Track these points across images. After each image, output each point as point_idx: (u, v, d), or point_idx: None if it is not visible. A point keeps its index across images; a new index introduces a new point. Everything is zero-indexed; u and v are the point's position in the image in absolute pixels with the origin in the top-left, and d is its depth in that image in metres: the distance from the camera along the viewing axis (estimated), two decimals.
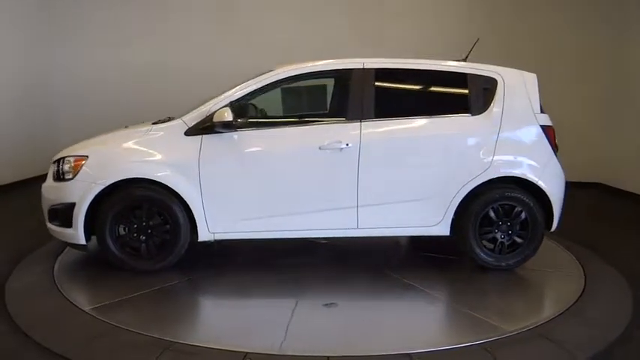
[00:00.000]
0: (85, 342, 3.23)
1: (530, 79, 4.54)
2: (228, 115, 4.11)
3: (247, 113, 4.66)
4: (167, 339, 3.21)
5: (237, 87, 4.38)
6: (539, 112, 4.45)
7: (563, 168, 4.51)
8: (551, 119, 4.53)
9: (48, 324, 3.49)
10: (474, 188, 4.32)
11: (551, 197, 4.36)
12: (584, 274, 4.42)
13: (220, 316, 3.92)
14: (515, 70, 4.57)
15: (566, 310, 3.74)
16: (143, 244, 4.28)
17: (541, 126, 4.43)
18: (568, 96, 8.03)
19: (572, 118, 7.87)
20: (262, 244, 4.98)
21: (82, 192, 4.18)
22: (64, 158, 4.35)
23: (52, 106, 8.91)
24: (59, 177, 4.32)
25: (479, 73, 4.48)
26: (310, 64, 4.47)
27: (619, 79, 7.91)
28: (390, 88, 4.55)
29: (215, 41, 8.65)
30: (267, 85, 4.37)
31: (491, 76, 4.48)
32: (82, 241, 4.23)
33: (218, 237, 4.34)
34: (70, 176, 4.24)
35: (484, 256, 4.42)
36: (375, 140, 4.28)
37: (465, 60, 4.71)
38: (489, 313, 3.66)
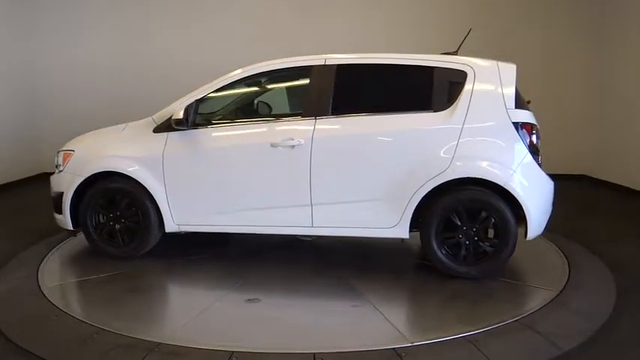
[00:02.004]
0: (70, 346, 3.21)
1: (507, 72, 4.13)
2: (180, 114, 4.27)
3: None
4: (152, 340, 3.20)
5: (204, 86, 4.50)
6: (514, 107, 4.03)
7: (544, 169, 4.12)
8: (535, 113, 4.22)
9: (33, 328, 3.46)
10: (433, 189, 4.03)
11: (523, 202, 3.94)
12: (569, 265, 4.45)
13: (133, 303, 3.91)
14: (491, 62, 4.21)
15: (551, 301, 3.77)
16: (118, 232, 4.61)
17: (515, 123, 4.01)
18: (552, 88, 8.08)
19: (556, 109, 7.94)
20: (254, 237, 5.04)
21: (68, 183, 4.62)
22: (59, 152, 4.83)
23: (37, 109, 8.79)
24: (57, 168, 4.82)
25: (446, 66, 4.17)
26: (273, 62, 4.47)
27: (602, 71, 7.97)
28: (350, 84, 4.38)
29: (209, 40, 8.55)
30: (229, 84, 4.49)
31: (461, 68, 4.14)
32: (70, 227, 4.69)
33: (183, 229, 4.57)
34: (62, 168, 4.74)
35: (447, 262, 4.11)
36: (327, 137, 4.18)
37: (456, 52, 4.50)
38: (467, 307, 3.70)
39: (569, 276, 4.22)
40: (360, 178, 4.19)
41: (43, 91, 8.80)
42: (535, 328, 3.35)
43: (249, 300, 3.83)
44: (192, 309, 3.70)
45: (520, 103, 4.13)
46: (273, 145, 4.22)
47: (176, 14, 8.60)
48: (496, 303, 3.79)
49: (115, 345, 3.17)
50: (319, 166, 4.17)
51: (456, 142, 4.01)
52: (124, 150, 4.57)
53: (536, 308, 3.65)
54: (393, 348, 3.11)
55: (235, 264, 4.64)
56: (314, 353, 3.07)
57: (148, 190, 4.45)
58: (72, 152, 4.72)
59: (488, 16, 8.12)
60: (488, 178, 3.98)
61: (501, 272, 4.16)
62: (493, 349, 3.12)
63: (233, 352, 3.06)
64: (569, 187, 7.31)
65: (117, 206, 4.58)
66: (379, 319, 3.53)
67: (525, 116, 4.09)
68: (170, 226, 4.52)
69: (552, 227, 4.46)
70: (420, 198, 4.06)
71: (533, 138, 4.08)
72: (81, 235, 4.82)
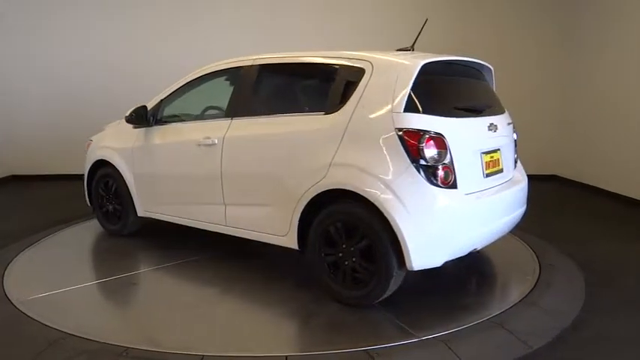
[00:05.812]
0: (36, 352, 3.11)
1: (406, 71, 3.52)
2: (127, 113, 4.95)
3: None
4: (119, 344, 3.15)
5: (168, 88, 4.89)
6: (402, 110, 3.42)
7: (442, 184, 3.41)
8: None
9: None
10: (313, 199, 3.69)
11: (394, 222, 3.30)
12: (539, 264, 4.50)
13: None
14: (393, 60, 3.70)
15: (522, 299, 3.80)
16: (111, 213, 5.40)
17: (398, 129, 3.41)
18: (523, 88, 8.19)
19: (527, 110, 8.05)
20: None
21: (86, 166, 5.51)
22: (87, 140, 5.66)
23: (7, 112, 8.60)
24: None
25: (348, 64, 3.77)
26: (219, 63, 4.58)
27: (574, 72, 8.11)
28: (267, 84, 4.39)
29: (197, 40, 8.46)
30: (181, 87, 4.80)
31: (360, 66, 3.69)
32: (89, 203, 5.62)
33: (147, 215, 5.10)
34: (86, 154, 5.56)
35: (327, 281, 3.72)
36: (234, 138, 4.22)
37: (412, 48, 4.18)
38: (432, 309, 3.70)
39: (539, 275, 4.27)
40: (256, 181, 4.10)
41: (13, 95, 8.60)
42: (506, 327, 3.38)
43: (134, 283, 4.22)
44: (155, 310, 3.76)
45: (426, 105, 3.49)
46: (197, 144, 4.43)
47: (167, 14, 8.49)
48: (467, 302, 3.80)
49: (82, 350, 3.10)
50: (227, 166, 4.25)
51: (335, 149, 3.60)
52: (114, 142, 5.25)
53: (507, 307, 3.67)
54: (366, 350, 3.10)
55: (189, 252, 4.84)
56: (286, 356, 3.05)
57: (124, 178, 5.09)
58: (91, 141, 5.56)
59: (461, 15, 8.22)
60: (355, 191, 3.47)
61: (474, 271, 4.04)
62: (464, 347, 3.13)
63: (203, 355, 3.03)
64: (541, 188, 7.42)
65: (109, 190, 5.30)
66: (205, 326, 3.44)
67: (414, 122, 3.41)
68: (140, 212, 5.12)
69: (523, 227, 4.51)
70: (303, 207, 3.74)
71: (422, 148, 3.36)
72: (42, 242, 5.27)
